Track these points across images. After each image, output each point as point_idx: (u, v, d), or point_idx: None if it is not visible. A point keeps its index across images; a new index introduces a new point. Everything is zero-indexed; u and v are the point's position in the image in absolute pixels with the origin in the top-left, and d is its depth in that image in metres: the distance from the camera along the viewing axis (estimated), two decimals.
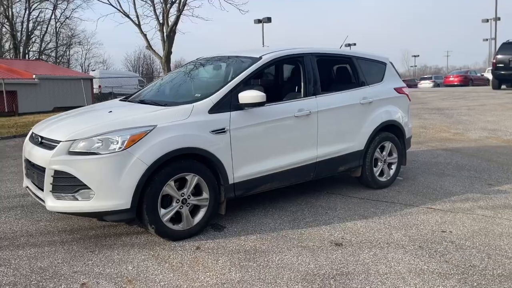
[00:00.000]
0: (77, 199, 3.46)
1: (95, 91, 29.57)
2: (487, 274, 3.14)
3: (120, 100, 4.67)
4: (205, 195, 3.84)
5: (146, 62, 65.37)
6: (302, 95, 4.60)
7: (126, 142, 3.43)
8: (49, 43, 49.81)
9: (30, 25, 44.98)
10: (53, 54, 51.36)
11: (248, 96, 3.93)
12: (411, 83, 44.74)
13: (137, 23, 17.58)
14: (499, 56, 19.18)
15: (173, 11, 17.47)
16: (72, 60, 56.58)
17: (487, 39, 53.30)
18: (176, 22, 17.40)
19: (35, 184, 3.79)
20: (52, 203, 3.52)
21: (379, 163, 5.35)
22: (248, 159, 4.09)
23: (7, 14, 41.76)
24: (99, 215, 3.53)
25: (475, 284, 3.00)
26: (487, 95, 18.09)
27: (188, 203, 3.76)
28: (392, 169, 5.51)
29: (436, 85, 39.73)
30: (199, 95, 4.08)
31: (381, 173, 5.40)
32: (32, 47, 47.59)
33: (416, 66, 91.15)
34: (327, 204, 4.79)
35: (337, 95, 4.86)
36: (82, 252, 3.52)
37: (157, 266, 3.27)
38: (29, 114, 18.01)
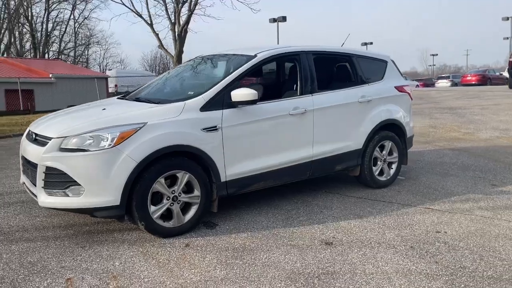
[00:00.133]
0: (68, 195, 3.51)
1: (111, 90, 30.01)
2: (476, 275, 3.08)
3: (118, 98, 4.72)
4: (197, 192, 3.85)
5: (162, 61, 66.02)
6: (298, 93, 4.57)
7: (115, 139, 3.46)
8: (68, 43, 50.69)
9: (49, 25, 45.86)
10: (71, 54, 52.24)
11: (240, 94, 3.92)
12: (428, 82, 44.15)
13: (149, 22, 17.76)
14: None
15: (184, 10, 17.60)
16: (91, 59, 57.48)
17: (507, 38, 52.18)
18: (187, 22, 17.51)
19: (30, 180, 3.86)
20: (44, 199, 3.58)
21: (378, 162, 5.29)
22: (241, 157, 4.09)
23: (27, 14, 42.60)
24: (90, 212, 3.57)
25: (462, 285, 2.94)
26: (503, 94, 17.74)
27: (179, 201, 3.78)
28: (392, 168, 5.44)
29: (454, 84, 39.12)
30: (192, 93, 4.09)
31: (381, 173, 5.34)
32: (51, 47, 48.52)
33: (434, 65, 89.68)
34: (324, 203, 4.76)
35: (334, 93, 4.82)
36: (73, 248, 3.57)
37: (144, 262, 3.29)
38: (45, 112, 18.33)
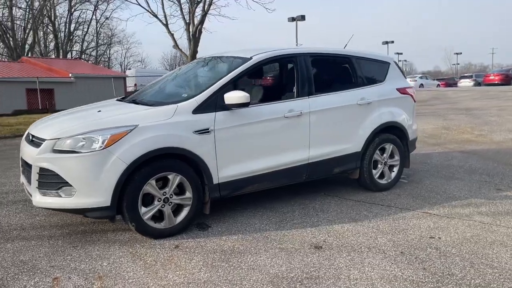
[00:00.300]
0: (60, 196, 3.58)
1: (131, 89, 30.41)
2: (463, 283, 3.02)
3: (117, 99, 4.79)
4: (188, 194, 3.88)
5: (182, 60, 66.49)
6: (295, 96, 4.56)
7: (106, 141, 3.52)
8: (90, 42, 51.59)
9: (72, 25, 46.73)
10: (93, 53, 53.17)
11: (232, 96, 3.94)
12: (451, 82, 43.31)
13: (164, 23, 17.95)
14: None
15: (199, 10, 17.72)
16: (112, 59, 58.39)
17: None
18: (201, 21, 17.62)
19: (27, 180, 3.96)
20: (38, 199, 3.67)
21: (379, 165, 5.23)
22: (234, 159, 4.10)
23: (50, 15, 43.52)
24: (81, 212, 3.64)
25: None
26: None
27: (171, 202, 3.82)
28: (393, 171, 5.38)
29: (477, 84, 38.29)
30: (186, 95, 4.13)
31: (382, 176, 5.28)
32: (74, 47, 49.45)
33: (458, 64, 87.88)
34: (320, 206, 4.73)
35: (332, 95, 4.79)
36: (65, 247, 3.64)
37: (131, 263, 3.34)
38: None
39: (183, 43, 19.10)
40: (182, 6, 17.77)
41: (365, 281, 3.06)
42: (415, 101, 5.66)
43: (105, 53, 55.57)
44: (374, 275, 3.15)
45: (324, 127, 4.66)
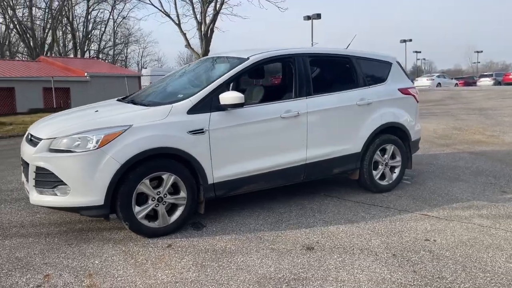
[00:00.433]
0: (56, 194, 3.65)
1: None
2: (452, 287, 2.98)
3: (117, 99, 4.85)
4: (183, 194, 3.91)
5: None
6: (293, 96, 4.55)
7: (100, 141, 3.57)
8: (108, 42, 52.26)
9: (90, 25, 47.40)
10: (111, 52, 53.85)
11: (227, 97, 3.95)
12: (470, 81, 42.63)
13: (177, 22, 18.08)
14: None
15: (210, 10, 17.78)
16: (129, 58, 59.05)
17: None
18: (213, 21, 17.69)
19: (26, 179, 4.04)
20: (35, 197, 3.75)
21: (379, 166, 5.18)
22: (229, 159, 4.11)
23: (68, 15, 44.23)
24: (76, 210, 3.70)
25: None
26: None
27: (165, 202, 3.85)
28: (395, 172, 5.32)
29: (497, 83, 37.63)
30: (182, 95, 4.16)
31: (383, 177, 5.23)
32: (91, 46, 50.18)
33: (479, 62, 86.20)
34: (318, 207, 4.72)
35: (331, 96, 4.76)
36: (60, 245, 3.71)
37: (122, 261, 3.38)
38: None
39: (196, 42, 19.21)
40: (194, 5, 17.91)
41: (352, 283, 3.05)
42: (418, 102, 5.59)
43: (122, 52, 56.26)
44: (363, 277, 3.13)
45: (322, 127, 4.64)
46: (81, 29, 46.77)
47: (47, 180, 3.65)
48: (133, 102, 4.45)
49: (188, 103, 3.96)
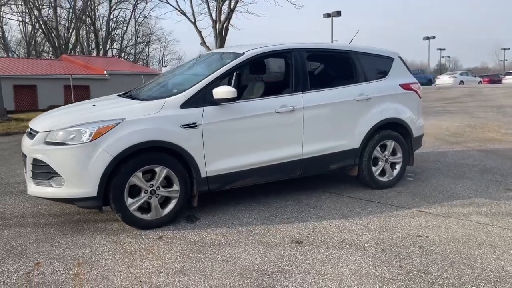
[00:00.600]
0: (52, 186, 3.76)
1: None
2: (436, 282, 2.95)
3: (118, 95, 4.94)
4: (176, 187, 3.96)
5: None
6: (289, 91, 4.55)
7: (93, 134, 3.66)
8: (130, 41, 53.04)
9: (112, 24, 48.19)
10: (132, 51, 54.62)
11: (220, 91, 3.99)
12: (495, 79, 41.58)
13: (192, 20, 18.23)
14: None
15: (225, 8, 17.87)
16: (151, 57, 59.77)
17: None
18: (227, 19, 17.77)
19: (25, 171, 4.16)
20: (32, 189, 3.86)
21: (379, 163, 5.14)
22: (223, 153, 4.15)
23: (91, 15, 45.07)
24: (70, 201, 3.81)
25: None
26: None
27: (158, 194, 3.91)
28: (396, 169, 5.26)
29: None
30: (176, 90, 4.21)
31: (383, 173, 5.18)
32: (113, 45, 51.01)
33: (506, 60, 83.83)
34: (315, 202, 4.71)
35: (328, 91, 4.74)
36: (55, 235, 3.81)
37: (112, 251, 3.46)
38: None
39: (212, 40, 19.33)
40: (210, 3, 18.02)
41: (334, 276, 3.04)
42: (420, 97, 5.51)
43: (144, 51, 56.98)
44: (346, 271, 3.12)
45: (319, 123, 4.63)
46: (104, 29, 47.64)
47: (43, 171, 3.76)
48: (131, 97, 4.53)
49: (182, 97, 4.01)
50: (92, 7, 44.39)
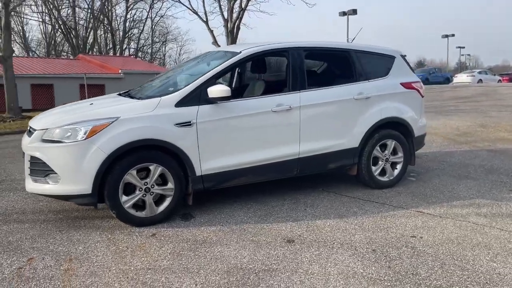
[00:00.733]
0: (48, 183, 3.83)
1: None
2: (423, 284, 2.91)
3: (118, 94, 5.00)
4: (170, 185, 4.00)
5: None
6: (287, 90, 4.54)
7: (88, 132, 3.71)
8: (146, 40, 53.54)
9: (128, 24, 48.74)
10: (149, 50, 55.14)
11: (214, 90, 4.01)
12: None
13: (204, 19, 18.31)
14: None
15: (237, 7, 17.88)
16: (167, 56, 60.26)
17: None
18: (238, 17, 17.79)
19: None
20: (30, 185, 3.95)
21: (379, 162, 5.09)
22: (218, 152, 4.16)
23: (108, 15, 45.68)
24: (66, 198, 3.88)
25: None
26: None
27: (152, 192, 3.95)
28: (397, 169, 5.21)
29: None
30: (172, 89, 4.25)
31: (383, 173, 5.14)
32: (130, 45, 51.60)
33: None
34: (312, 201, 4.70)
35: (326, 90, 4.72)
36: (52, 231, 3.89)
37: (104, 248, 3.51)
38: None
39: (225, 39, 19.37)
40: (221, 2, 18.08)
41: (321, 276, 3.03)
42: (423, 96, 5.44)
43: (160, 50, 57.47)
44: (334, 271, 3.11)
45: (316, 122, 4.61)
46: (121, 28, 48.24)
47: (40, 169, 3.84)
48: (130, 95, 4.58)
49: (177, 96, 4.05)
50: (110, 7, 45.02)
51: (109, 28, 46.34)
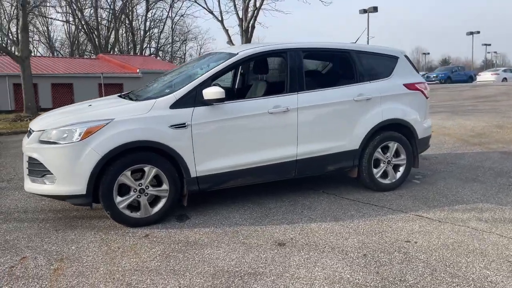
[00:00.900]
0: (45, 183, 3.90)
1: None
2: None
3: (118, 95, 5.05)
4: (165, 186, 4.02)
5: None
6: (285, 91, 4.51)
7: (82, 133, 3.77)
8: (167, 39, 54.04)
9: (148, 23, 49.29)
10: (169, 50, 55.64)
11: (209, 92, 4.01)
12: None
13: (219, 19, 18.37)
14: None
15: (252, 6, 17.87)
16: (187, 55, 60.70)
17: None
18: (253, 16, 17.77)
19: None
20: (28, 185, 4.03)
21: (381, 164, 5.01)
22: (213, 154, 4.17)
23: (129, 15, 46.29)
24: (62, 198, 3.94)
25: None
26: None
27: (147, 193, 3.98)
28: (399, 171, 5.12)
29: None
30: (168, 91, 4.27)
31: (385, 175, 5.05)
32: (150, 44, 52.16)
33: None
34: (310, 204, 4.66)
35: (325, 91, 4.67)
36: (49, 230, 3.96)
37: (96, 248, 3.55)
38: None
39: (240, 39, 19.39)
40: (236, 1, 18.09)
41: (306, 280, 3.01)
42: (427, 97, 5.32)
43: (180, 49, 57.93)
44: (320, 275, 3.08)
45: (315, 123, 4.57)
46: (141, 28, 48.81)
47: (37, 169, 3.91)
48: (130, 97, 4.63)
49: (172, 98, 4.07)
50: (131, 7, 45.60)
51: (130, 28, 46.94)
